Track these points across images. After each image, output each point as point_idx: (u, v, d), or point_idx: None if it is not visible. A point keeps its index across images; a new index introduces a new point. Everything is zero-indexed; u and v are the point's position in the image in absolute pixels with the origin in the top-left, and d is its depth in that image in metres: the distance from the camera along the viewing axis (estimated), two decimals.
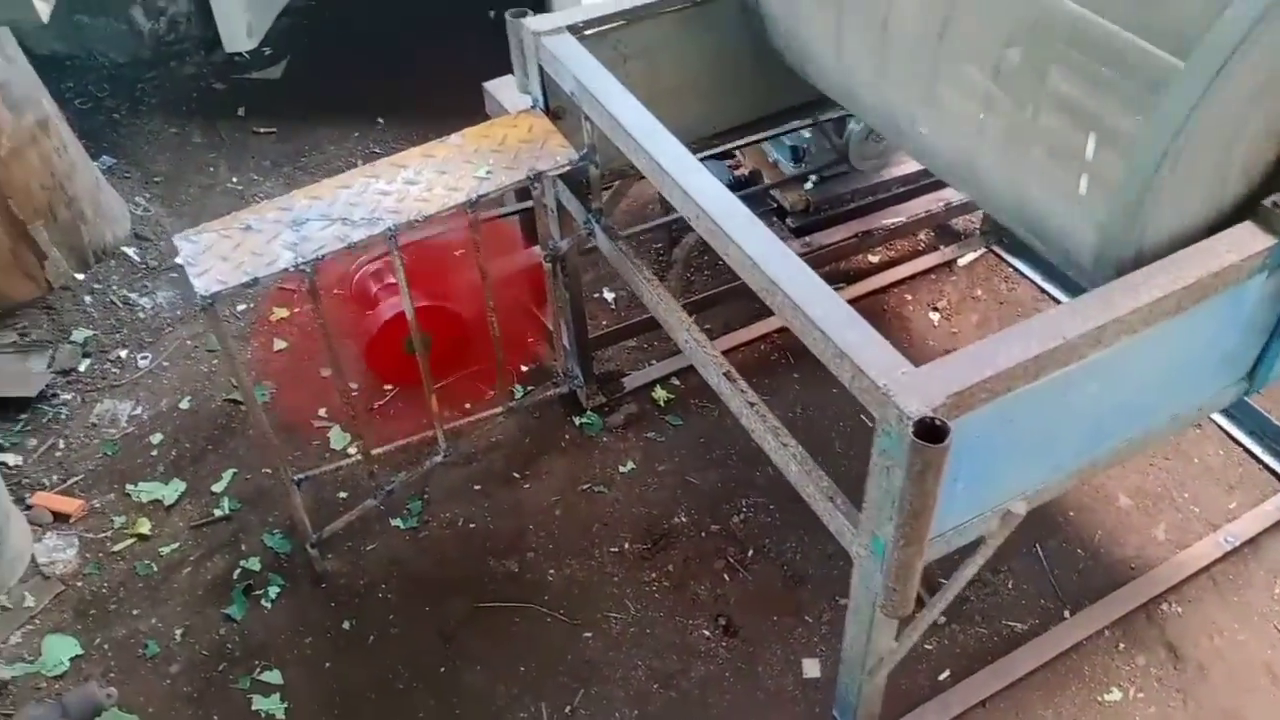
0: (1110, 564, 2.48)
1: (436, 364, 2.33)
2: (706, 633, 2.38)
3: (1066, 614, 2.38)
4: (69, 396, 2.88)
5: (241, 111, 3.87)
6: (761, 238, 1.63)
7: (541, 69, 2.14)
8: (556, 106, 2.21)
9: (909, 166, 3.19)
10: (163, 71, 4.01)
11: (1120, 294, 1.44)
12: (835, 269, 3.18)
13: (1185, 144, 1.44)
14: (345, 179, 2.10)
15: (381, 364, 2.32)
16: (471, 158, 2.11)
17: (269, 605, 2.43)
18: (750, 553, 2.52)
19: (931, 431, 1.27)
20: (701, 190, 1.71)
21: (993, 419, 1.39)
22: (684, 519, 2.59)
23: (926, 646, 2.34)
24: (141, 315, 3.12)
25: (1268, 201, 1.51)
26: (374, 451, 2.37)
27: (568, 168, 2.10)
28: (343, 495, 2.65)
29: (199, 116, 3.85)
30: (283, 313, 3.13)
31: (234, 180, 3.59)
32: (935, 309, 3.11)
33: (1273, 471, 2.63)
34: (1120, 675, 2.29)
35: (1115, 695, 2.25)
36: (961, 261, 3.24)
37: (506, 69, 4.36)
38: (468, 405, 2.78)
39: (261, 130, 3.79)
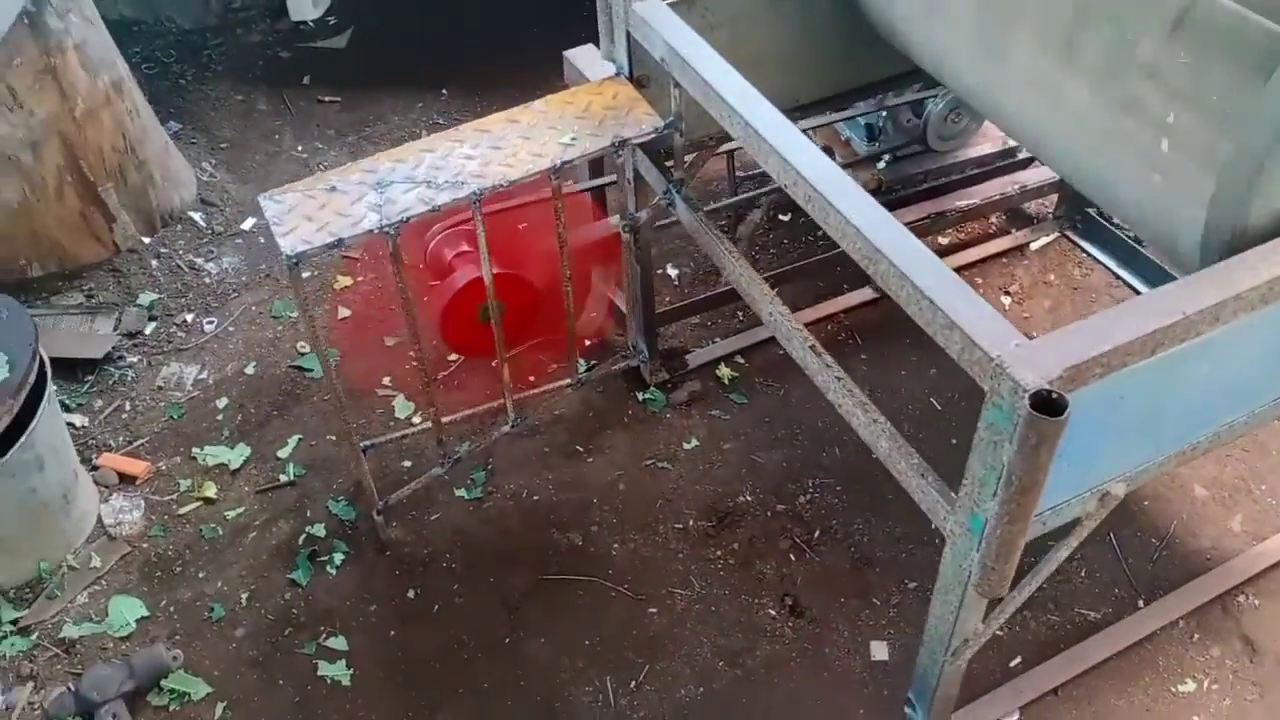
0: (1185, 554, 2.42)
1: (507, 334, 2.31)
2: (772, 612, 2.35)
3: (1140, 603, 2.33)
4: (135, 359, 2.90)
5: (307, 80, 3.88)
6: (864, 205, 1.59)
7: (629, 35, 2.10)
8: (641, 75, 2.18)
9: (984, 148, 3.13)
10: (229, 38, 4.02)
11: (1240, 271, 1.39)
12: None
13: None
14: (428, 143, 2.09)
15: (454, 332, 2.31)
16: (556, 124, 2.08)
17: (334, 572, 2.44)
18: (817, 533, 2.49)
19: (1048, 405, 1.23)
20: (801, 156, 1.68)
21: (1104, 395, 1.35)
22: (749, 498, 2.56)
23: (998, 632, 2.29)
24: (207, 280, 3.13)
25: None
26: (444, 420, 2.36)
27: (653, 135, 2.07)
28: (407, 464, 2.65)
29: (264, 84, 3.85)
30: (346, 281, 3.13)
31: (299, 149, 3.60)
32: (1007, 293, 3.05)
33: None
34: (1195, 666, 2.24)
35: (1189, 686, 2.21)
36: (1034, 246, 3.17)
37: (570, 41, 4.33)
38: (531, 378, 2.77)
39: (326, 99, 3.79)
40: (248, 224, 3.31)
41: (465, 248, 2.35)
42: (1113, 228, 3.14)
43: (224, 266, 3.18)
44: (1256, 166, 1.49)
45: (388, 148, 3.53)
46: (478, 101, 3.79)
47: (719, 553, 2.46)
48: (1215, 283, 1.39)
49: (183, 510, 2.56)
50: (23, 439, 2.17)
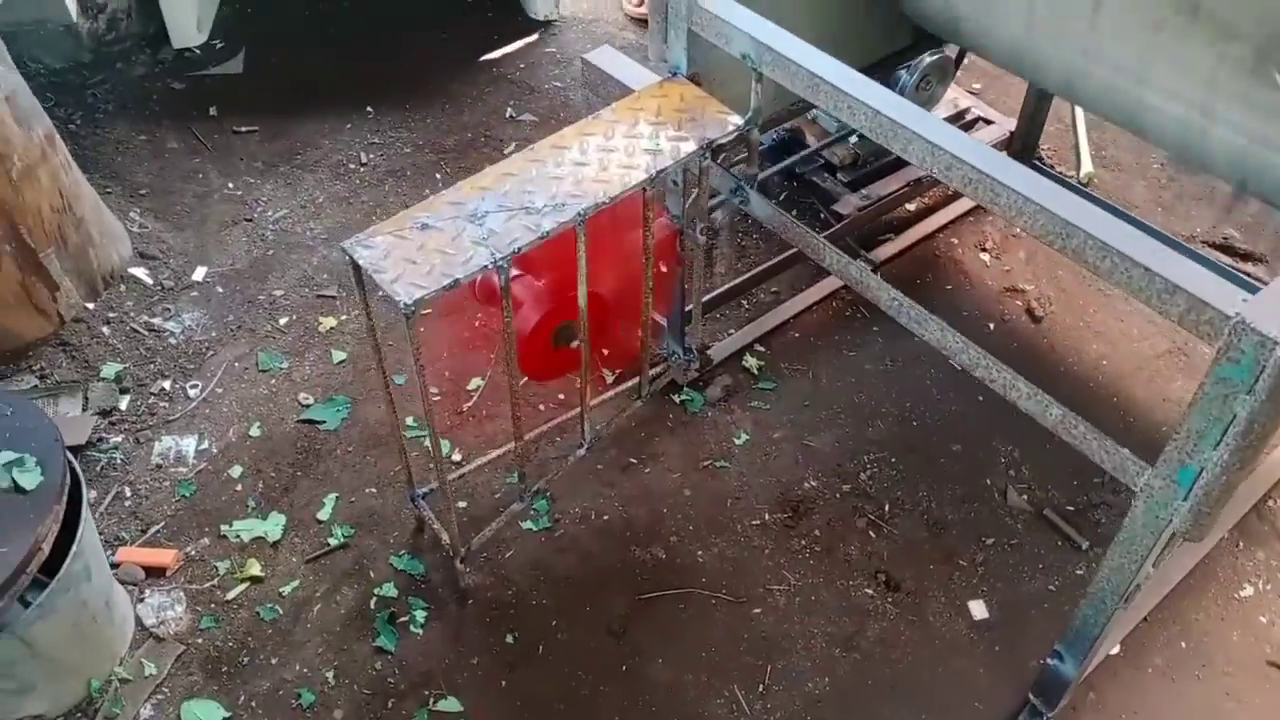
0: None
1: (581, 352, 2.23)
2: (869, 591, 2.39)
3: None
4: (119, 439, 2.60)
5: (214, 111, 3.55)
6: (1040, 183, 1.63)
7: (690, 32, 2.05)
8: (694, 73, 2.13)
9: (939, 113, 3.25)
10: (111, 75, 3.62)
11: None
12: (882, 221, 3.22)
13: None
14: (505, 166, 1.97)
15: (531, 360, 2.20)
16: (633, 132, 2.01)
17: (419, 631, 2.29)
18: (887, 507, 2.54)
19: None
20: (954, 141, 1.70)
21: None
22: (814, 483, 2.59)
23: (1078, 572, 2.44)
24: (173, 341, 2.83)
25: None
26: (527, 437, 2.25)
27: (735, 133, 2.04)
28: (462, 505, 2.51)
29: (167, 120, 3.50)
30: (331, 322, 2.92)
31: (230, 185, 3.30)
32: (984, 250, 3.20)
33: None
34: (1248, 572, 2.45)
35: (1248, 591, 2.41)
36: None
37: (483, 46, 4.21)
38: (562, 397, 2.68)
39: (243, 129, 3.49)
40: (198, 274, 3.02)
41: (516, 273, 2.23)
42: (1057, 174, 3.36)
43: (186, 324, 2.88)
44: None
45: (329, 174, 3.37)
46: (411, 115, 3.60)
47: (802, 542, 2.47)
48: None
49: (230, 595, 2.32)
50: (74, 547, 1.91)
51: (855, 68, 2.56)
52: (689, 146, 2.02)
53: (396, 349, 2.66)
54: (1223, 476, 1.51)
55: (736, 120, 2.07)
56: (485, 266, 1.82)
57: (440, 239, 1.86)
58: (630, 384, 2.61)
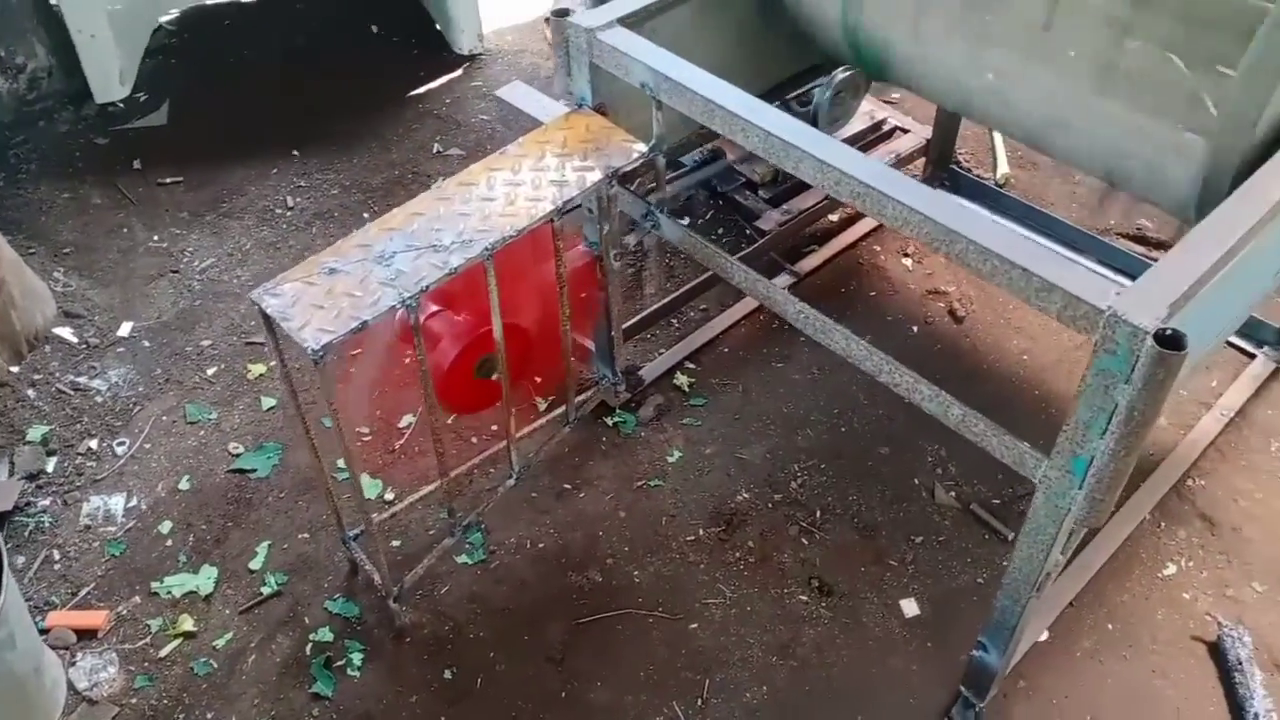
0: None
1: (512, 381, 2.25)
2: (804, 597, 2.42)
3: (1112, 510, 2.57)
4: (47, 502, 2.58)
5: (138, 164, 3.55)
6: (924, 193, 1.68)
7: (592, 64, 2.09)
8: (599, 103, 2.18)
9: (857, 125, 3.32)
10: (33, 133, 3.61)
11: (1267, 183, 1.59)
12: (805, 233, 3.27)
13: None
14: (413, 205, 1.99)
15: (454, 394, 2.21)
16: (539, 165, 2.05)
17: (357, 673, 2.28)
18: (818, 513, 2.58)
19: (1170, 341, 1.36)
20: (842, 157, 1.75)
21: (1184, 320, 1.50)
22: (746, 495, 2.62)
23: (1005, 563, 2.47)
24: (99, 400, 2.82)
25: None
26: (457, 471, 2.27)
27: (640, 160, 2.08)
28: (396, 543, 2.51)
29: (91, 176, 3.50)
30: (259, 369, 2.92)
31: (155, 239, 3.30)
32: (905, 254, 3.26)
33: (1233, 346, 2.93)
34: (1170, 551, 2.50)
35: (1171, 569, 2.47)
36: None
37: (408, 79, 4.24)
38: (494, 426, 2.70)
39: (167, 181, 3.49)
40: (124, 330, 3.01)
41: (434, 308, 2.26)
42: (975, 177, 3.43)
43: (114, 381, 2.87)
44: (1250, 118, 1.68)
45: (255, 221, 3.38)
46: (337, 156, 3.62)
47: (736, 554, 2.50)
48: (1255, 199, 1.57)
49: (164, 652, 2.31)
50: None
51: (766, 87, 2.65)
52: (595, 176, 2.06)
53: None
54: (1111, 464, 1.55)
55: (641, 148, 2.12)
56: (393, 307, 1.84)
57: (348, 282, 1.88)
58: (559, 411, 2.63)
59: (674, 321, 3.06)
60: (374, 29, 4.22)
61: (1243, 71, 1.67)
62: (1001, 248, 1.58)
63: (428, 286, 1.86)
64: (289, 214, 3.41)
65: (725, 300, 3.11)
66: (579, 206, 2.22)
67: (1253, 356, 2.89)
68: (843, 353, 2.01)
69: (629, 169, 2.10)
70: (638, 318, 2.94)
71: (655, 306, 2.98)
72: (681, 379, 2.89)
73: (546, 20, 4.18)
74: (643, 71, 2.00)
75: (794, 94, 2.97)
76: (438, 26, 4.08)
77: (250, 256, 3.27)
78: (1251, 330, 2.90)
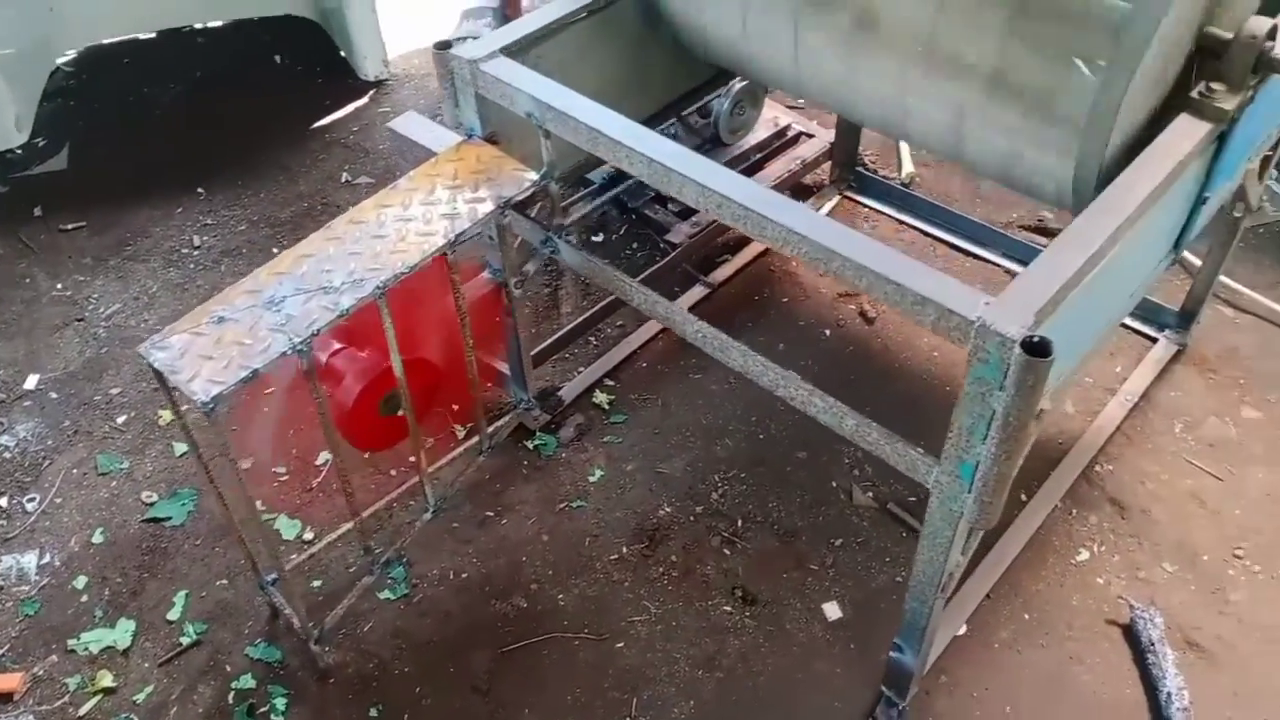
0: (1041, 446, 2.75)
1: (416, 415, 2.24)
2: (728, 608, 2.44)
3: (1023, 498, 2.63)
4: None
5: (39, 211, 3.48)
6: (800, 212, 1.71)
7: (478, 95, 2.10)
8: (490, 132, 2.18)
9: (760, 134, 3.36)
10: None
11: (1120, 195, 1.65)
12: (717, 243, 3.30)
13: (1141, 72, 1.65)
14: (304, 247, 1.98)
15: (360, 433, 2.20)
16: (430, 199, 2.04)
17: (281, 718, 2.26)
18: (740, 523, 2.60)
19: (1036, 348, 1.41)
20: (722, 181, 1.77)
21: (1051, 326, 1.55)
22: (668, 509, 2.64)
23: None
24: (7, 456, 2.76)
25: (1194, 93, 1.75)
26: (365, 514, 2.26)
27: (532, 189, 2.08)
28: (317, 584, 2.49)
29: None
30: (170, 415, 2.87)
31: (59, 286, 3.23)
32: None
33: (1135, 331, 3.02)
34: (1082, 537, 2.57)
35: (1084, 555, 2.53)
36: (823, 211, 3.45)
37: (316, 112, 4.21)
38: (411, 458, 2.68)
39: (70, 227, 3.42)
40: (30, 382, 2.95)
41: (337, 346, 2.24)
42: (880, 178, 3.49)
43: (21, 436, 2.81)
44: (1107, 126, 1.73)
45: (162, 262, 3.32)
46: (244, 191, 3.57)
47: (660, 570, 2.52)
48: (1109, 211, 1.62)
49: (83, 711, 2.27)
50: None
51: (663, 103, 2.67)
52: (486, 207, 2.06)
53: (239, 431, 2.63)
54: (994, 468, 1.59)
55: (532, 176, 2.12)
56: (284, 353, 1.83)
57: (237, 330, 1.86)
58: (474, 441, 2.62)
59: (592, 339, 3.07)
60: (278, 59, 4.18)
61: (1102, 73, 1.72)
62: (875, 264, 1.62)
63: (319, 330, 1.85)
64: (196, 254, 3.36)
65: (642, 315, 3.12)
66: (480, 235, 2.22)
67: (1154, 340, 2.98)
68: (741, 369, 2.04)
69: (522, 198, 2.10)
70: (555, 337, 2.94)
71: (572, 325, 2.99)
72: (601, 397, 2.90)
73: None
74: (527, 101, 2.01)
75: (694, 107, 3.01)
76: (342, 54, 4.05)
77: (157, 300, 3.22)
78: (1152, 315, 2.99)
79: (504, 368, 2.70)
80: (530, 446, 2.77)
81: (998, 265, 3.21)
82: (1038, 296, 1.50)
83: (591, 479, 2.70)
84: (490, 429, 2.66)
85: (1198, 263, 2.91)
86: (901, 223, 3.40)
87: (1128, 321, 3.01)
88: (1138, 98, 1.75)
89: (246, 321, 1.87)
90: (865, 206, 3.47)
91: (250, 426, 2.58)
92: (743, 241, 3.36)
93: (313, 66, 4.16)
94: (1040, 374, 1.44)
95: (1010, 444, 1.55)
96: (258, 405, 2.51)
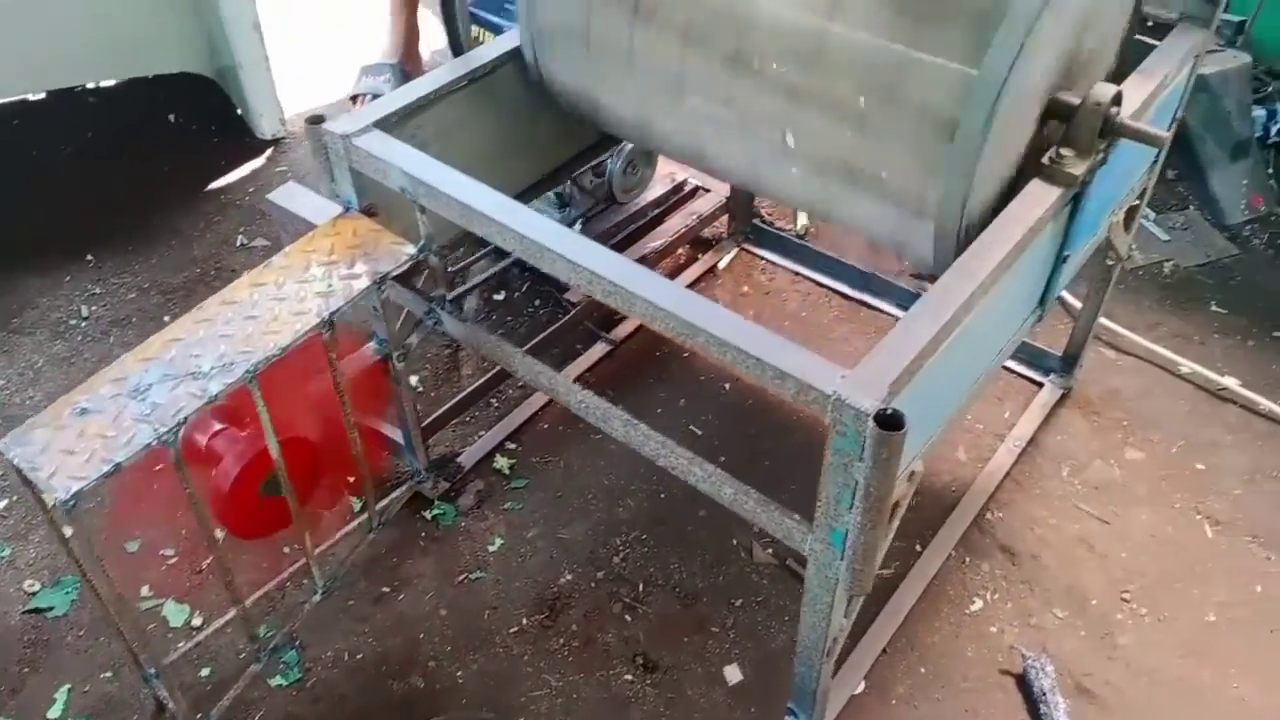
0: (935, 494, 2.81)
1: (298, 495, 2.20)
2: (629, 676, 2.43)
3: (918, 548, 2.68)
4: None
5: None
6: (666, 287, 1.73)
7: (353, 170, 2.08)
8: (368, 205, 2.16)
9: (656, 190, 3.39)
10: None
11: (974, 262, 1.69)
12: None
13: (992, 140, 1.71)
14: (173, 331, 1.94)
15: (238, 517, 2.15)
16: (305, 276, 2.02)
17: None
18: (641, 586, 2.60)
19: (890, 421, 1.43)
20: (592, 257, 1.78)
21: (909, 396, 1.58)
22: (569, 576, 2.62)
23: None
24: None
25: (1045, 159, 1.81)
26: (253, 598, 2.20)
27: (410, 263, 2.07)
28: (205, 673, 2.41)
29: None
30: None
31: None
32: None
33: (1021, 375, 3.10)
34: (975, 586, 2.61)
35: (978, 604, 2.58)
36: (721, 265, 3.50)
37: (207, 171, 4.13)
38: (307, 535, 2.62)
39: None
40: None
41: (218, 427, 2.19)
42: (776, 230, 3.55)
43: None
44: (960, 198, 1.79)
45: (48, 335, 3.22)
46: (135, 257, 3.49)
47: (560, 640, 2.49)
48: (963, 277, 1.66)
49: None
50: None
51: (553, 167, 2.68)
52: (362, 284, 2.04)
53: (125, 511, 2.54)
54: (862, 536, 1.61)
55: (410, 250, 2.11)
56: (148, 445, 1.78)
57: (100, 422, 1.81)
58: (364, 518, 2.57)
59: (494, 401, 3.05)
60: (172, 118, 4.11)
61: (950, 153, 1.78)
62: (737, 340, 1.63)
63: (185, 419, 1.81)
64: (84, 324, 3.27)
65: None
66: (363, 305, 2.19)
67: (1040, 385, 3.06)
68: (624, 439, 2.04)
69: (399, 272, 2.09)
70: (455, 400, 2.92)
71: (472, 388, 2.96)
72: (502, 461, 2.87)
73: (353, 99, 4.14)
74: (399, 176, 2.00)
75: (587, 167, 3.02)
76: (239, 111, 4.00)
77: (43, 374, 3.12)
78: (1038, 359, 3.08)
79: (396, 436, 2.66)
80: (428, 516, 2.73)
81: (890, 315, 3.28)
82: (892, 368, 1.54)
83: (491, 548, 2.67)
84: (384, 502, 2.62)
85: (1079, 305, 3.01)
86: (798, 274, 3.46)
87: (1015, 366, 3.10)
88: (991, 164, 1.80)
89: (111, 412, 1.82)
90: (762, 259, 3.52)
91: (137, 506, 2.49)
92: None
93: (208, 125, 4.09)
94: (894, 447, 1.47)
95: (874, 514, 1.58)
96: (145, 484, 2.44)
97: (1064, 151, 1.82)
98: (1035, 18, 1.64)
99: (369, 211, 2.19)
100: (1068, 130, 1.83)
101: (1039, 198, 1.79)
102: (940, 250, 1.86)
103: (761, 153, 2.06)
